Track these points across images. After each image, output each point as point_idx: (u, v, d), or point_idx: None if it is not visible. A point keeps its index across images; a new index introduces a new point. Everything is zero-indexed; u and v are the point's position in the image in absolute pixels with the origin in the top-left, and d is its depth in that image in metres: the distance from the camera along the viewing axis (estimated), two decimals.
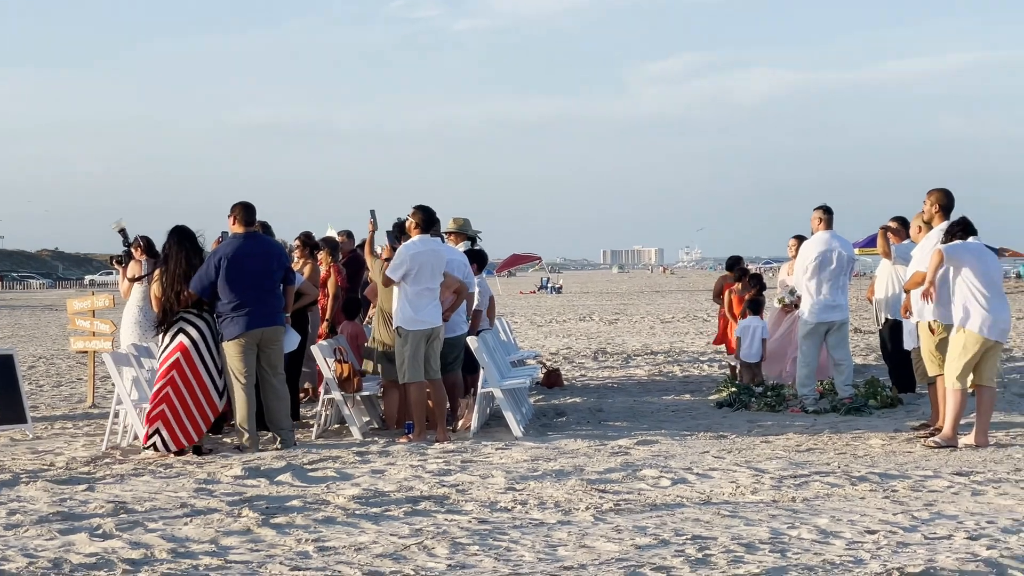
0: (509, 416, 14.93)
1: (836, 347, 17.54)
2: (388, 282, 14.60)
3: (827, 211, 17.69)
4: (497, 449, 13.75)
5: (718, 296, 21.41)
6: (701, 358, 26.14)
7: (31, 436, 15.31)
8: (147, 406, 13.81)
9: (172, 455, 13.51)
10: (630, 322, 42.68)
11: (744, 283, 20.49)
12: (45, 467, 12.92)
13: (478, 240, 18.11)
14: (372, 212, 15.53)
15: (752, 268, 23.72)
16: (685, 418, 16.52)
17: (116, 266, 16.85)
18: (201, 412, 13.65)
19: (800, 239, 18.86)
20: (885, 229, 17.65)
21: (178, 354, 13.69)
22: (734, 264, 21.65)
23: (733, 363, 20.24)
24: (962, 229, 13.97)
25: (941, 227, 14.41)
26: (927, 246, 14.42)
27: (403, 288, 14.51)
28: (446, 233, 16.89)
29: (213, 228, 15.74)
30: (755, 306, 19.81)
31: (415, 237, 14.75)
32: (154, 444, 13.56)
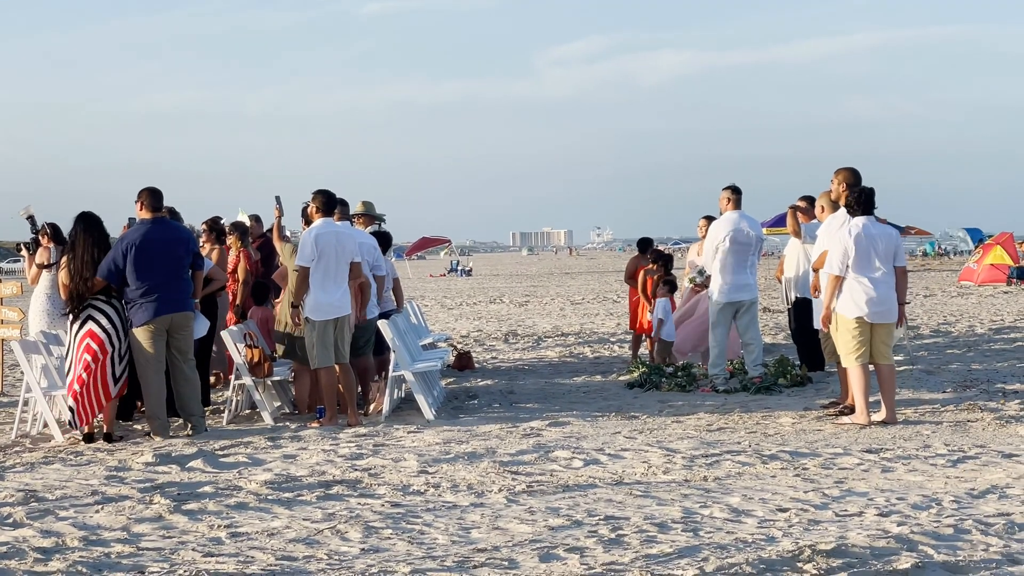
0: (421, 399, 14.94)
1: (746, 327, 17.66)
2: (305, 271, 14.50)
3: (735, 191, 17.79)
4: (409, 432, 13.76)
5: (631, 278, 21.48)
6: (611, 339, 26.24)
7: None
8: (57, 393, 13.71)
9: (82, 441, 13.42)
10: (540, 304, 42.76)
11: (657, 265, 20.56)
12: None
13: (382, 223, 18.08)
14: (277, 198, 15.52)
15: (661, 249, 23.74)
16: (596, 399, 16.60)
17: (24, 252, 16.67)
18: (96, 397, 13.54)
19: (709, 219, 18.97)
20: (794, 209, 17.80)
21: (88, 340, 13.58)
22: (647, 246, 21.74)
23: (644, 343, 20.27)
24: (856, 203, 14.11)
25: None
26: (833, 225, 14.57)
27: (313, 274, 14.46)
28: (354, 216, 16.84)
29: (120, 215, 15.63)
30: (670, 286, 19.97)
31: (317, 221, 14.71)
32: (70, 421, 13.50)
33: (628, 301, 21.99)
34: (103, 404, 13.64)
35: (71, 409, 13.44)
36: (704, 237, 18.81)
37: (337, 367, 14.61)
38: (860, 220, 14.00)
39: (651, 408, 15.50)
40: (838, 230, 14.30)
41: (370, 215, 17.61)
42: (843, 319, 13.93)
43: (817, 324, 15.39)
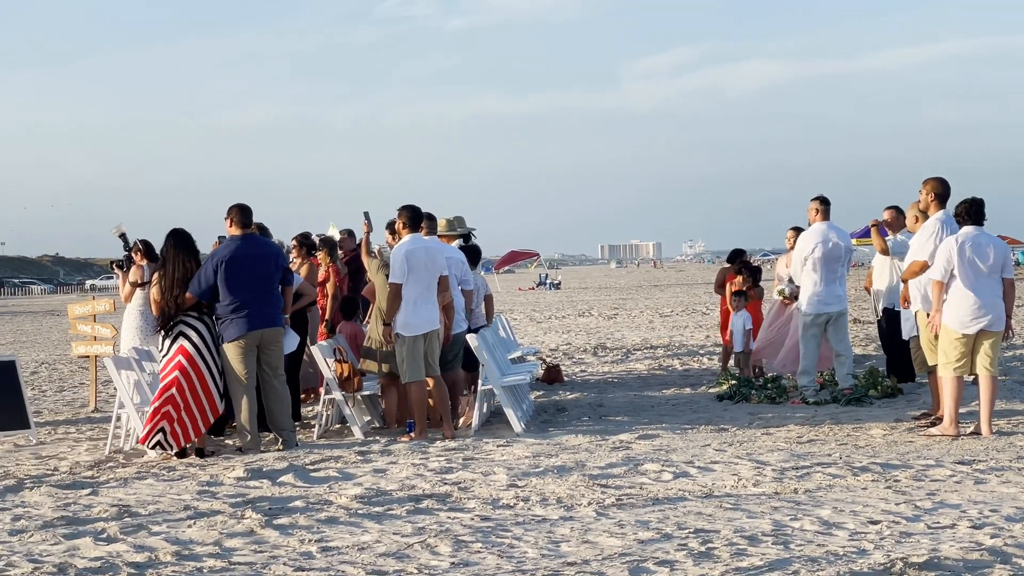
0: (510, 413, 14.95)
1: (836, 338, 17.56)
2: (397, 287, 14.56)
3: (824, 202, 17.70)
4: (498, 446, 13.77)
5: (719, 288, 21.42)
6: (700, 351, 26.16)
7: (34, 441, 15.34)
8: (149, 409, 13.85)
9: (174, 457, 13.54)
10: (629, 317, 42.69)
11: (743, 276, 20.52)
12: (49, 472, 12.95)
13: (472, 237, 18.13)
14: (366, 214, 15.62)
15: (751, 260, 23.61)
16: (686, 411, 16.55)
17: (117, 271, 16.87)
18: (202, 413, 13.67)
19: (798, 230, 18.88)
20: (876, 225, 17.67)
21: (179, 357, 13.70)
22: (735, 257, 21.67)
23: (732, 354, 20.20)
24: (966, 213, 13.99)
25: (937, 216, 14.47)
26: (923, 235, 14.45)
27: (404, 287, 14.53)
28: (440, 236, 16.88)
29: (211, 232, 15.77)
30: (742, 297, 19.93)
31: (405, 237, 14.78)
32: (158, 443, 13.58)
33: (719, 312, 21.93)
34: (209, 421, 13.77)
35: (162, 431, 13.53)
36: (792, 248, 18.72)
37: (430, 381, 14.67)
38: (969, 229, 13.88)
39: (741, 420, 15.43)
40: (928, 239, 14.19)
41: (456, 232, 17.65)
42: (947, 329, 13.79)
43: (906, 335, 15.27)
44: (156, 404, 13.57)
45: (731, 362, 20.29)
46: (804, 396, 17.02)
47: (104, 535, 9.74)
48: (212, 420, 13.85)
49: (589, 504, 10.41)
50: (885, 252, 17.42)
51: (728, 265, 21.60)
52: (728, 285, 20.66)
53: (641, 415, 16.25)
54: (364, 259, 15.81)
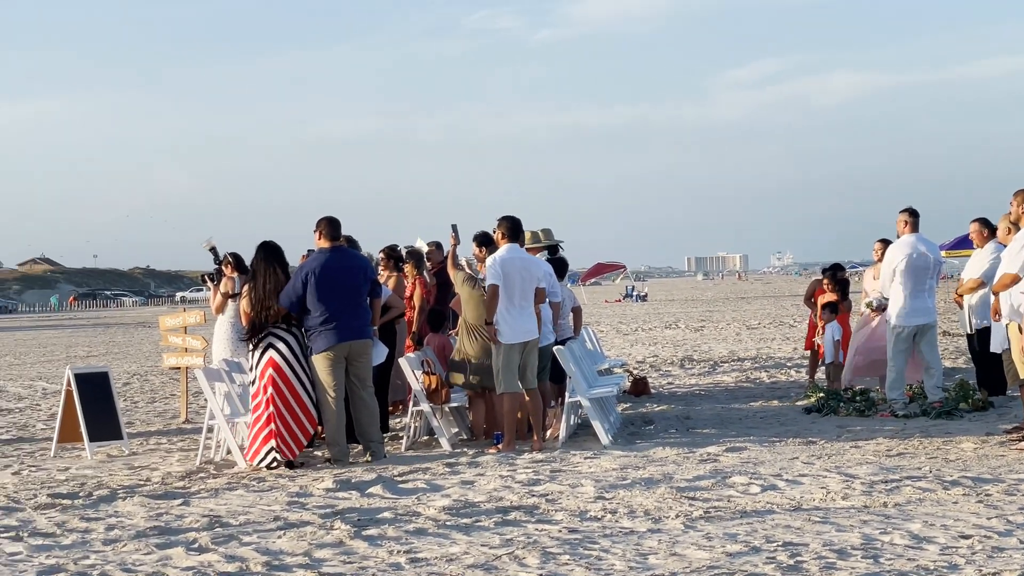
0: (597, 425, 14.96)
1: (925, 351, 17.43)
2: (494, 288, 14.60)
3: (913, 213, 17.58)
4: (586, 458, 13.78)
5: (809, 300, 21.31)
6: (788, 364, 26.04)
7: (127, 452, 15.53)
8: (239, 420, 13.98)
9: (265, 468, 13.65)
10: (716, 329, 42.55)
11: (830, 287, 20.43)
12: (141, 482, 13.10)
13: (559, 249, 18.14)
14: (453, 227, 15.68)
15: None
16: (773, 424, 16.48)
17: (208, 283, 17.04)
18: (299, 425, 13.79)
19: (885, 242, 18.75)
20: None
21: (270, 370, 13.81)
22: (831, 269, 21.45)
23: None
24: None
25: None
26: (1015, 247, 14.32)
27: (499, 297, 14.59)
28: (527, 248, 16.91)
29: (300, 244, 15.89)
30: (831, 309, 19.83)
31: (503, 247, 14.83)
32: (274, 460, 13.69)
33: (808, 325, 21.82)
34: (308, 432, 13.89)
35: (271, 448, 13.67)
36: (880, 260, 18.59)
37: (525, 393, 14.73)
38: None
39: (829, 433, 15.34)
40: (1020, 251, 14.07)
41: (542, 244, 17.67)
42: None
43: (997, 347, 15.13)
44: (260, 423, 13.68)
45: (819, 374, 20.15)
46: (893, 409, 16.90)
47: (196, 545, 9.85)
48: (311, 431, 13.96)
49: (677, 516, 10.40)
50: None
51: (819, 278, 21.47)
52: (821, 298, 20.55)
53: (728, 427, 16.21)
54: (450, 271, 15.86)
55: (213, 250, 16.61)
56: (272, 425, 13.66)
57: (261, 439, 13.71)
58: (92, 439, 15.32)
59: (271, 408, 13.70)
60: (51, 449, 15.78)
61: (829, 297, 20.36)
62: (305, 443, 13.97)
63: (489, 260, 14.81)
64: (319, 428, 14.57)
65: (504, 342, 14.58)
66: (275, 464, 13.71)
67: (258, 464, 13.76)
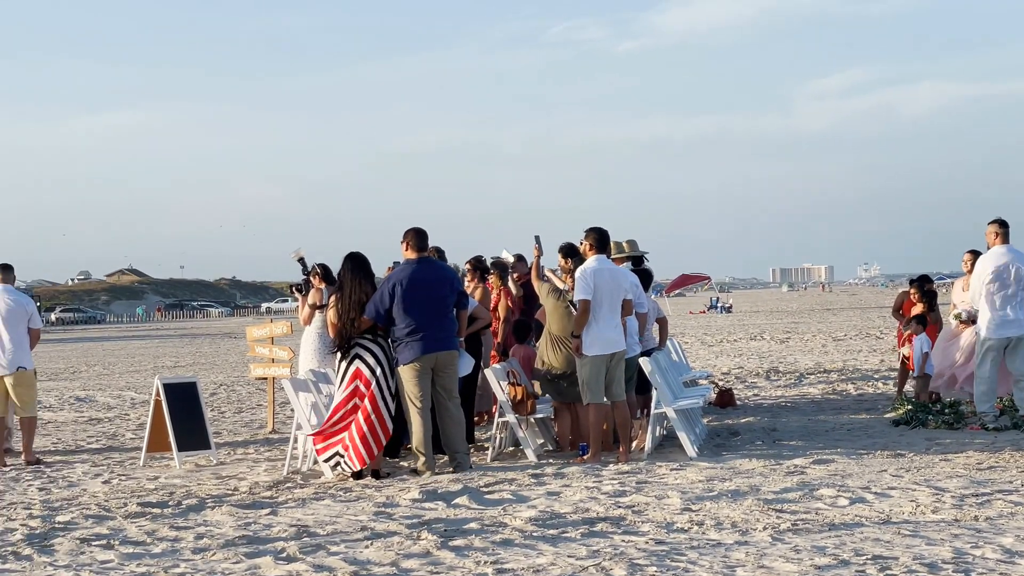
0: (683, 436, 14.92)
1: (1015, 363, 17.24)
2: (585, 303, 14.60)
3: (1003, 225, 17.41)
4: (672, 470, 13.74)
5: (897, 312, 21.14)
6: (875, 376, 25.84)
7: (215, 462, 15.65)
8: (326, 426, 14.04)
9: (351, 478, 13.71)
10: (801, 340, 42.32)
11: (918, 299, 20.26)
12: (229, 492, 13.20)
13: (644, 260, 18.10)
14: (537, 238, 15.69)
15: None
16: (861, 436, 16.36)
17: (296, 294, 17.15)
18: (375, 436, 13.83)
19: (975, 254, 18.58)
20: None
21: (356, 381, 13.88)
22: (919, 281, 21.27)
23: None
24: None
25: None
26: None
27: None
28: (613, 258, 16.89)
29: (387, 255, 15.96)
30: (919, 321, 19.65)
31: (591, 258, 14.82)
32: (336, 463, 13.78)
33: (896, 337, 21.65)
34: (381, 443, 13.93)
35: (338, 453, 13.75)
36: (970, 272, 18.40)
37: (611, 404, 14.71)
38: None
39: (918, 446, 15.21)
40: None
41: (628, 254, 17.64)
42: None
43: None
44: (333, 425, 13.77)
45: (907, 386, 20.00)
46: (983, 422, 16.73)
47: (284, 554, 9.91)
48: (384, 442, 14.01)
49: (764, 529, 10.34)
50: None
51: (906, 289, 21.30)
52: (908, 309, 20.39)
53: (815, 440, 16.10)
54: (535, 283, 15.87)
55: (302, 261, 16.71)
56: (347, 433, 13.73)
57: (334, 440, 13.78)
58: (181, 449, 15.46)
59: (349, 419, 13.76)
60: (140, 458, 15.93)
61: (917, 309, 20.19)
62: (376, 455, 13.98)
63: (578, 272, 14.79)
64: (406, 441, 14.63)
65: (590, 354, 14.57)
66: (338, 469, 13.79)
67: (324, 460, 13.84)
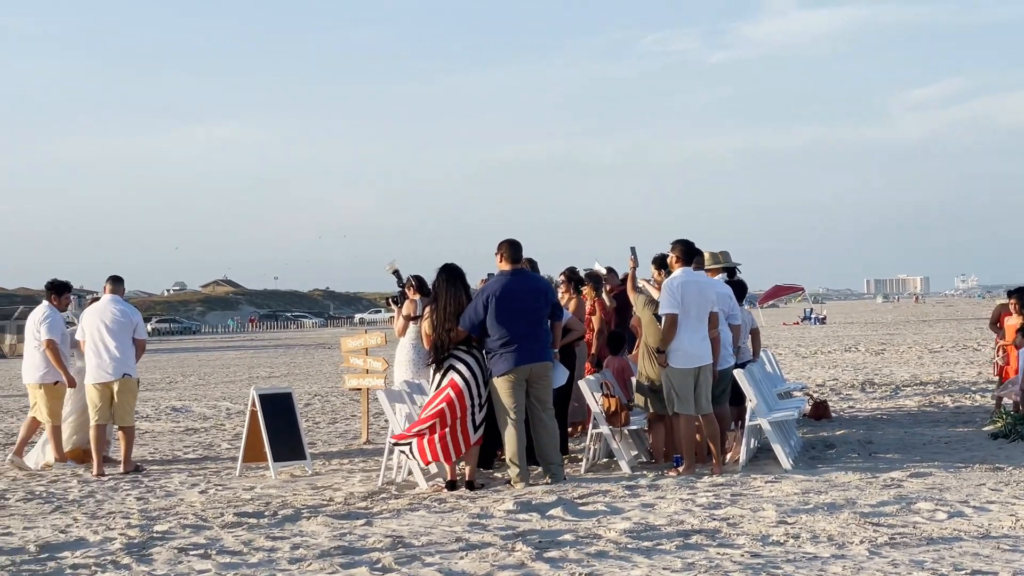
0: (778, 448, 14.83)
1: None
2: (673, 317, 14.58)
3: None
4: (767, 482, 13.67)
5: (995, 324, 20.91)
6: (972, 388, 25.57)
7: (310, 472, 15.75)
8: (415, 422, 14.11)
9: (445, 489, 13.75)
10: (897, 352, 41.95)
11: (1017, 310, 20.01)
12: (324, 502, 13.28)
13: (738, 271, 18.03)
14: (632, 249, 15.66)
15: None
16: (959, 449, 16.19)
17: (392, 306, 17.23)
18: (455, 443, 13.84)
19: None
20: None
21: (449, 390, 13.92)
22: (1017, 292, 21.00)
23: (1001, 393, 19.65)
24: None
25: None
26: None
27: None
28: (706, 270, 16.83)
29: (481, 267, 15.99)
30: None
31: (677, 271, 14.79)
32: (402, 451, 13.87)
33: (994, 349, 21.40)
34: (460, 450, 13.95)
35: (409, 444, 13.81)
36: None
37: (701, 417, 14.65)
38: None
39: (1018, 459, 15.03)
40: None
41: (722, 266, 17.59)
42: None
43: None
44: (418, 422, 13.85)
45: (1006, 399, 19.81)
46: None
47: (379, 565, 9.95)
48: (463, 450, 14.00)
49: (861, 542, 10.26)
50: None
51: (1004, 301, 21.06)
52: (1006, 321, 20.14)
53: (912, 452, 15.95)
54: (630, 294, 15.84)
55: (396, 273, 16.78)
56: (425, 428, 13.77)
57: (412, 432, 13.84)
58: (276, 459, 15.57)
59: (433, 422, 13.80)
60: (236, 468, 16.06)
61: (1015, 320, 19.94)
62: (453, 460, 13.99)
63: (664, 286, 14.76)
64: (500, 452, 14.66)
65: (676, 366, 14.53)
66: (405, 453, 13.98)
67: (399, 448, 13.94)
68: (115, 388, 16.52)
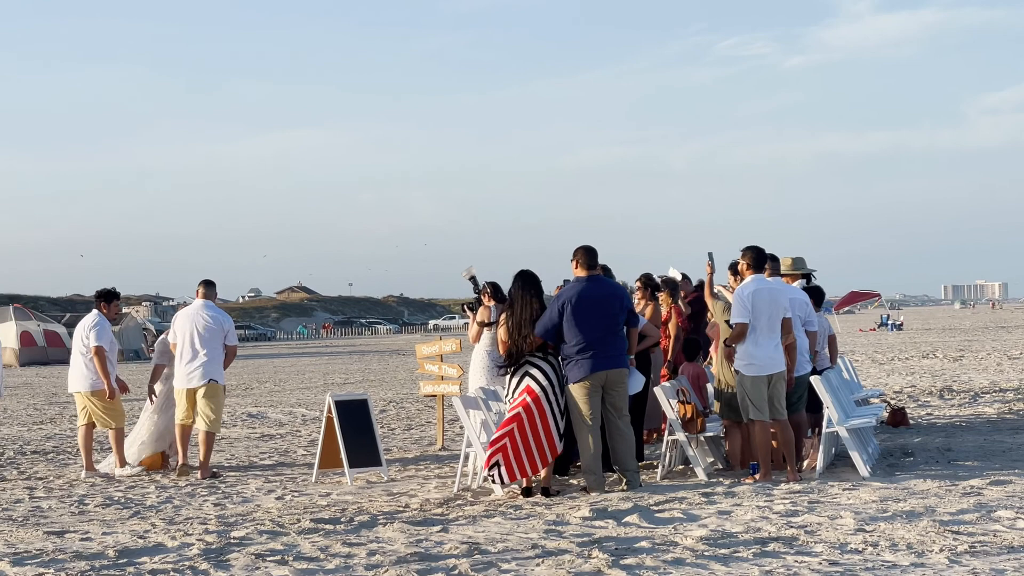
0: (855, 456, 14.73)
1: None
2: (742, 327, 14.52)
3: None
4: (844, 489, 13.57)
5: None
6: None
7: (386, 478, 15.79)
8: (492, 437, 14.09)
9: (520, 495, 13.74)
10: (976, 359, 41.57)
11: None
12: (400, 508, 13.31)
13: (813, 278, 17.93)
14: (710, 255, 15.62)
15: None
16: None
17: (467, 312, 17.26)
18: (541, 453, 13.83)
19: None
20: None
21: (525, 396, 13.91)
22: None
23: None
24: None
25: None
26: None
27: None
28: (783, 275, 16.74)
29: (556, 273, 15.99)
30: None
31: (748, 278, 14.71)
32: (491, 476, 13.81)
33: None
34: (547, 460, 13.92)
35: (497, 464, 13.76)
36: None
37: (774, 423, 14.56)
38: None
39: None
40: None
41: (799, 271, 17.49)
42: None
43: None
44: (496, 436, 13.82)
45: None
46: None
47: (456, 571, 9.95)
48: (550, 459, 13.99)
49: (941, 551, 10.16)
50: None
51: None
52: None
53: (992, 460, 15.79)
54: (708, 300, 15.78)
55: (473, 279, 16.82)
56: (504, 443, 13.74)
57: (493, 450, 13.81)
58: (352, 465, 15.63)
59: (511, 427, 13.78)
60: (312, 475, 16.13)
61: None
62: (540, 470, 13.97)
63: (735, 294, 14.69)
64: (575, 459, 14.64)
65: (749, 375, 14.46)
66: (493, 479, 13.81)
67: (487, 470, 13.89)
68: (200, 393, 16.65)
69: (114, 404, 17.26)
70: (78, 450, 17.61)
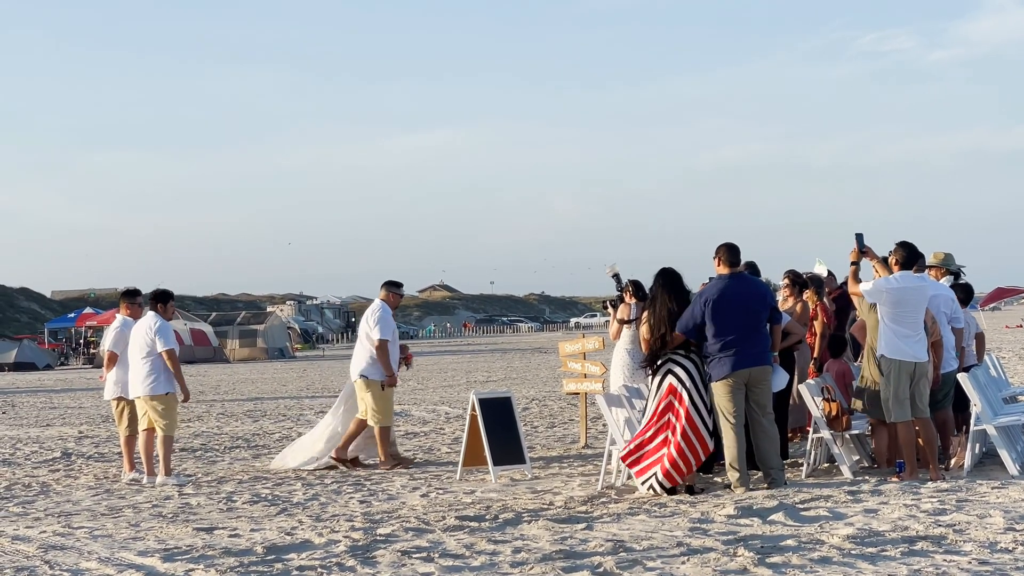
0: (1004, 454, 14.53)
1: None
2: (863, 293, 14.42)
3: None
4: (993, 488, 13.39)
5: None
6: None
7: (529, 476, 15.86)
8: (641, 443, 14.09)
9: (666, 494, 13.73)
10: None
11: None
12: (545, 506, 13.36)
13: (962, 274, 17.69)
14: (858, 236, 14.94)
15: None
16: None
17: (609, 309, 17.28)
18: (692, 451, 13.81)
19: None
20: None
21: (670, 397, 13.90)
22: None
23: None
24: None
25: None
26: None
27: (884, 322, 14.35)
28: (928, 268, 16.54)
29: (699, 272, 15.94)
30: None
31: (896, 273, 14.55)
32: (651, 486, 13.79)
33: None
34: (700, 459, 13.92)
35: (654, 474, 13.76)
36: None
37: (917, 421, 14.40)
38: None
39: None
40: None
41: (946, 267, 17.28)
42: None
43: None
44: (646, 443, 13.81)
45: None
46: None
47: (601, 569, 9.97)
48: (703, 458, 13.98)
49: None
50: None
51: None
52: None
53: None
54: (851, 289, 15.38)
55: (616, 277, 16.85)
56: (665, 450, 13.73)
57: (650, 461, 13.80)
58: (496, 463, 15.71)
59: (663, 435, 13.77)
60: (457, 472, 16.25)
61: None
62: (695, 470, 13.97)
63: (878, 282, 14.50)
64: (719, 457, 14.59)
65: (890, 356, 14.23)
66: (652, 490, 13.78)
67: (642, 483, 13.87)
68: (358, 385, 17.60)
69: (175, 408, 17.07)
70: (155, 456, 17.04)
